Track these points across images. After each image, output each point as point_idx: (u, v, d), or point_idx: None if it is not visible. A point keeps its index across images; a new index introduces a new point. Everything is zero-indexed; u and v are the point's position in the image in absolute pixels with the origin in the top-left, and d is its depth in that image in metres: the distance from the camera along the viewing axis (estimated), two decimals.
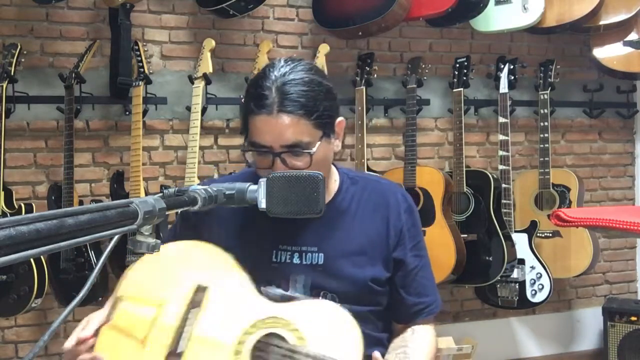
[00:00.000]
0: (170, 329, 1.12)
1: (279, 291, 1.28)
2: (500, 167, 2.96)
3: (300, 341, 1.13)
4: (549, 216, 1.79)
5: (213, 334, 1.13)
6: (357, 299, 1.31)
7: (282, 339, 1.15)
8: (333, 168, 1.40)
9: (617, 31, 3.08)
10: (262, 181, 0.94)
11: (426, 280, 1.43)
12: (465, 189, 2.90)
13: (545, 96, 3.05)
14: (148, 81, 2.67)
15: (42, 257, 2.34)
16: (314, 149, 1.23)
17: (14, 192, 2.55)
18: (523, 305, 3.00)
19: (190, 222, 1.38)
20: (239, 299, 1.19)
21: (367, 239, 1.36)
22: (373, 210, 1.39)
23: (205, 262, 1.23)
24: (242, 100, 1.31)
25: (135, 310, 1.14)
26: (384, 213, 1.39)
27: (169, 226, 2.67)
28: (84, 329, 1.19)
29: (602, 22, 3.01)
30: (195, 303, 1.15)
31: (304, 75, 1.23)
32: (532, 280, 2.96)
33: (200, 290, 1.17)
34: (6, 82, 2.50)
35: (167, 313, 1.14)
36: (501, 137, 2.97)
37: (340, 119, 1.32)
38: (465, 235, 2.88)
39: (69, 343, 1.17)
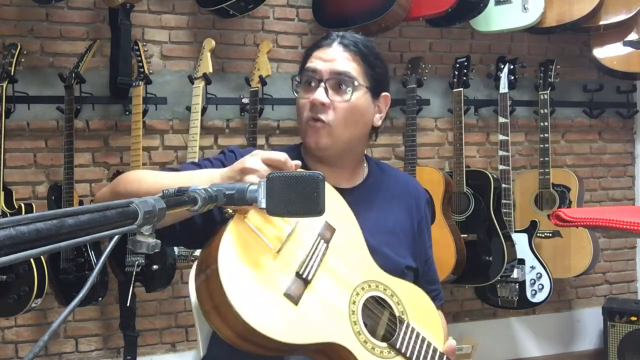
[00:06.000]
0: (303, 252, 1.13)
1: None
2: (500, 167, 2.96)
3: (403, 315, 1.22)
4: (549, 216, 1.79)
5: (338, 276, 1.17)
6: None
7: (387, 303, 1.22)
8: (362, 153, 1.48)
9: (617, 31, 3.08)
10: (262, 181, 0.94)
11: (435, 269, 1.53)
12: (465, 189, 2.90)
13: (545, 96, 3.05)
14: (148, 81, 2.67)
15: (42, 257, 2.34)
16: (357, 84, 1.32)
17: (14, 192, 2.55)
18: (523, 305, 3.00)
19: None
20: (355, 253, 1.25)
21: (398, 223, 1.42)
22: (399, 198, 1.46)
23: (333, 205, 1.25)
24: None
25: (273, 220, 1.13)
26: (408, 202, 1.47)
27: None
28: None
29: (602, 22, 3.01)
30: (323, 237, 1.18)
31: (367, 39, 1.39)
32: (532, 280, 2.96)
33: (328, 228, 1.20)
34: (6, 82, 2.50)
35: (301, 236, 1.15)
36: (501, 137, 2.97)
37: (387, 93, 1.42)
38: (465, 235, 2.88)
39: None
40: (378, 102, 1.40)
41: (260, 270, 1.05)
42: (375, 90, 1.37)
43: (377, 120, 1.41)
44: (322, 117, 1.31)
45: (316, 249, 1.15)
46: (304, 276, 1.09)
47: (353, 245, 1.25)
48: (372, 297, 1.20)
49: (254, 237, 1.08)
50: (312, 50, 1.38)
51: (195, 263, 1.12)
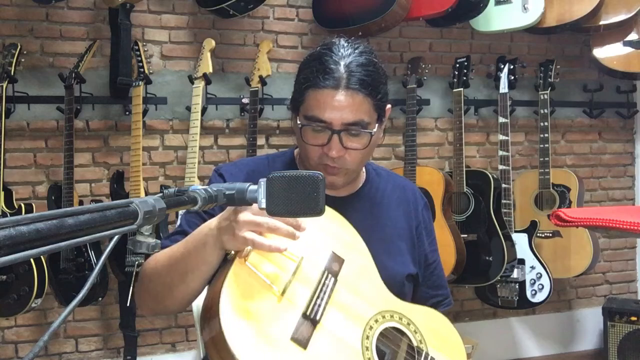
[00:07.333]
0: (310, 289, 1.09)
1: None
2: (500, 167, 2.96)
3: (422, 344, 1.19)
4: (549, 216, 1.78)
5: (349, 311, 1.13)
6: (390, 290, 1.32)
7: (404, 334, 1.19)
8: None
9: (617, 31, 3.08)
10: (262, 181, 0.94)
11: (442, 273, 1.49)
12: (465, 189, 2.90)
13: (545, 96, 3.05)
14: (148, 81, 2.67)
15: (42, 257, 2.34)
16: (374, 130, 1.24)
17: (14, 192, 2.55)
18: (523, 305, 3.00)
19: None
20: (367, 282, 1.21)
21: (395, 230, 1.39)
22: (397, 204, 1.43)
23: (339, 233, 1.22)
24: (298, 76, 1.28)
25: (276, 257, 1.09)
26: (406, 208, 1.43)
27: (169, 226, 2.68)
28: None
29: (602, 22, 3.01)
30: (330, 271, 1.14)
31: (368, 57, 1.25)
32: (532, 280, 2.95)
33: (336, 259, 1.16)
34: (6, 82, 2.50)
35: (306, 273, 1.11)
36: (501, 137, 2.97)
37: (389, 105, 1.32)
38: (465, 235, 2.88)
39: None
40: (384, 121, 1.32)
41: (264, 317, 1.02)
42: (381, 116, 1.28)
43: (380, 134, 1.35)
44: (339, 165, 1.25)
45: (323, 285, 1.11)
46: (311, 317, 1.06)
47: (364, 274, 1.21)
48: (389, 328, 1.17)
49: (256, 279, 1.05)
50: (313, 89, 1.22)
51: (201, 306, 1.10)
